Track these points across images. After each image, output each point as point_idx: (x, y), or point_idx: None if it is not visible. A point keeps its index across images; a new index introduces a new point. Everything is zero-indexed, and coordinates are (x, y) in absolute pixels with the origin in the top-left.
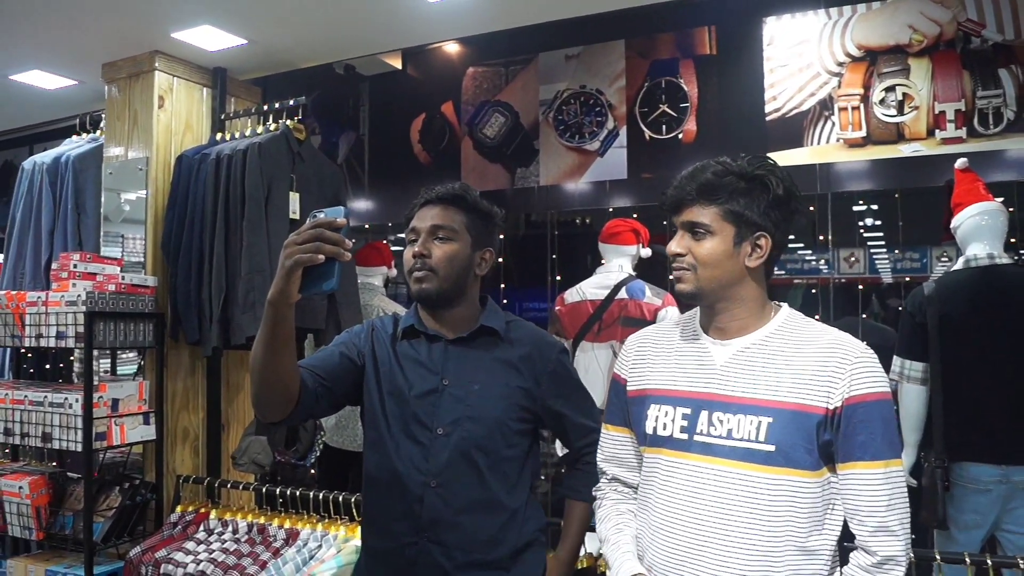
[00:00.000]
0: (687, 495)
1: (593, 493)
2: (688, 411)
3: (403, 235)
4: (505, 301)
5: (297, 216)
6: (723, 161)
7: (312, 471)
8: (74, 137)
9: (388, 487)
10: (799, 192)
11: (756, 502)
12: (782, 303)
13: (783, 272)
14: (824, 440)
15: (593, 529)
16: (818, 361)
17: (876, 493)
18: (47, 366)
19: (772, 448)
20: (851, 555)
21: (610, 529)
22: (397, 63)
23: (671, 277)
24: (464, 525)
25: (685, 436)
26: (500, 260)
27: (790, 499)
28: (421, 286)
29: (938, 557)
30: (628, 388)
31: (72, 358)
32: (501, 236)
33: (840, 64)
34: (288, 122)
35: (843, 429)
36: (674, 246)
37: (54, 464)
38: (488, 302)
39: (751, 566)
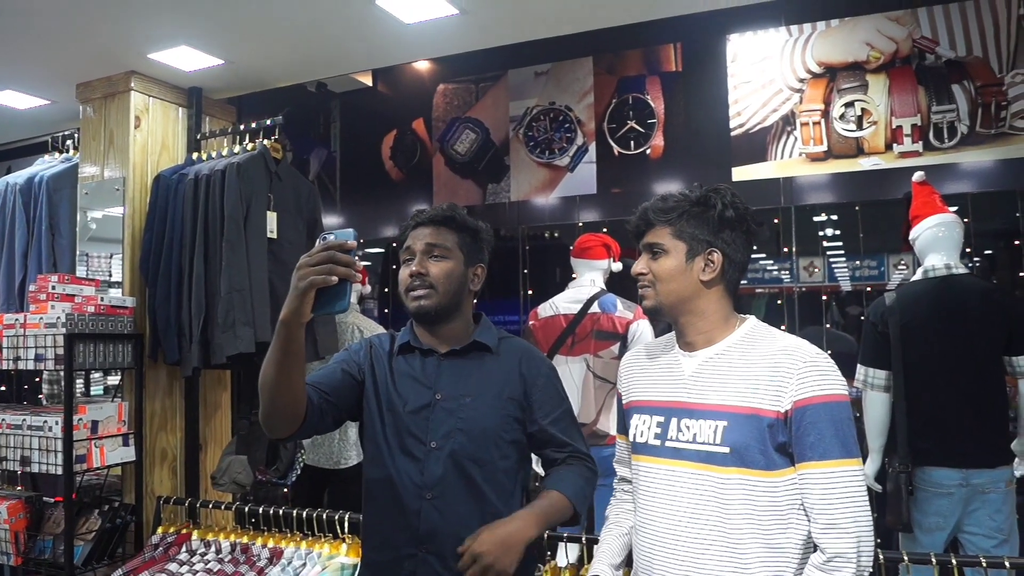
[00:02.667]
0: (661, 496)
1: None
2: (661, 419)
3: (375, 251)
4: None
5: (275, 235)
6: (679, 191)
7: (285, 490)
8: (46, 157)
9: (386, 501)
10: (752, 213)
11: (718, 500)
12: (748, 316)
13: (745, 281)
14: (779, 442)
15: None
16: (770, 367)
17: (825, 491)
18: (4, 388)
19: (727, 450)
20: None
21: (604, 531)
22: (368, 80)
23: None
24: (461, 536)
25: (659, 442)
26: None
27: (748, 497)
28: (420, 303)
29: (906, 558)
30: (623, 401)
31: (37, 379)
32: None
33: (801, 80)
34: (266, 141)
35: (794, 431)
36: (637, 267)
37: (20, 488)
38: (482, 319)
39: (720, 561)
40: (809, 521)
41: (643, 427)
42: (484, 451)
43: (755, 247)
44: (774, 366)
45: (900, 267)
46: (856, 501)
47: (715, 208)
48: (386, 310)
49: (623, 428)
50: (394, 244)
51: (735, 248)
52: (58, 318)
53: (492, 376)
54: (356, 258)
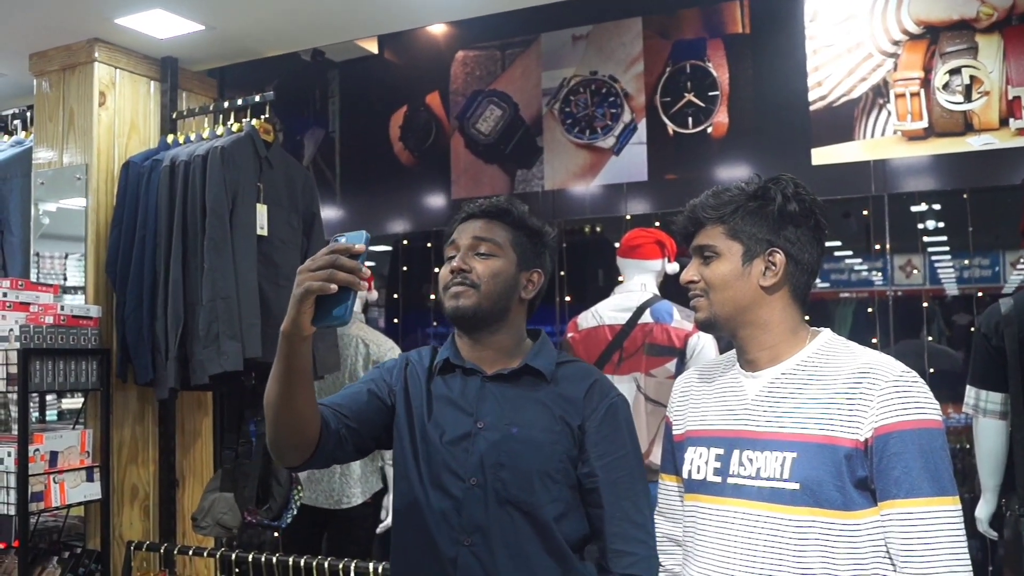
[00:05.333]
0: (721, 544)
1: None
2: (721, 451)
3: (381, 249)
4: None
5: (265, 232)
6: (735, 184)
7: (276, 534)
8: None
9: (418, 546)
10: (820, 206)
11: (787, 546)
12: (823, 328)
13: (827, 284)
14: (859, 476)
15: None
16: (847, 388)
17: (914, 536)
18: None
19: (797, 486)
20: None
21: None
22: (373, 47)
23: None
24: None
25: (719, 479)
26: None
27: (822, 544)
28: (458, 303)
29: None
30: (674, 432)
31: None
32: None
33: (896, 43)
34: (254, 121)
35: (876, 463)
36: (686, 274)
37: None
38: (541, 337)
39: None
40: (895, 571)
41: (699, 461)
42: (531, 493)
43: (840, 243)
44: (852, 386)
45: (1019, 267)
46: (952, 548)
47: (774, 201)
48: (395, 319)
49: (671, 466)
50: (404, 241)
51: (800, 247)
52: (11, 331)
53: (545, 404)
54: (363, 264)
